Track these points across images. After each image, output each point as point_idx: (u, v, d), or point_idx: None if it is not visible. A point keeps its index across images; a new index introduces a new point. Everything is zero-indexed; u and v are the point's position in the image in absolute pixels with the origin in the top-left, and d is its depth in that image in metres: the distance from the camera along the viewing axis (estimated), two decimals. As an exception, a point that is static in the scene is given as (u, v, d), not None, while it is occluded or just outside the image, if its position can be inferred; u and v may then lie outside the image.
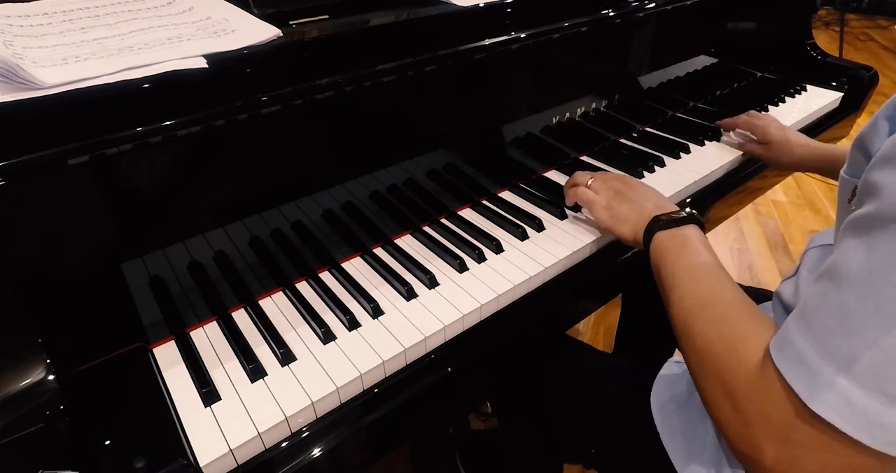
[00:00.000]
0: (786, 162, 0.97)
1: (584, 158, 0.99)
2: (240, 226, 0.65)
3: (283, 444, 0.55)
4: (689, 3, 0.97)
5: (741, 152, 1.01)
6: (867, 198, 0.40)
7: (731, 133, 1.06)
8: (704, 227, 0.67)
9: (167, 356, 0.60)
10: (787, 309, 0.61)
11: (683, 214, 0.67)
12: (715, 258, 0.61)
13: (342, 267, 0.72)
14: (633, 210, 0.72)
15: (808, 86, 1.30)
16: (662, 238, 0.65)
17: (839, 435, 0.38)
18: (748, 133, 1.02)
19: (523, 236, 0.78)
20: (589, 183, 0.78)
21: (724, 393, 0.47)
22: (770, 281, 1.85)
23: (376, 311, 0.65)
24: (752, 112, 1.04)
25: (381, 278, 0.71)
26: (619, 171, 0.94)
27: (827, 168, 0.92)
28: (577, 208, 0.83)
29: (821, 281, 0.42)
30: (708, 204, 0.94)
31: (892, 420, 0.36)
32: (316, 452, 0.55)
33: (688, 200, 0.92)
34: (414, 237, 0.79)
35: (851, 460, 0.39)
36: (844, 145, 0.87)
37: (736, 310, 0.53)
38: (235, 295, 0.66)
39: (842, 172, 0.49)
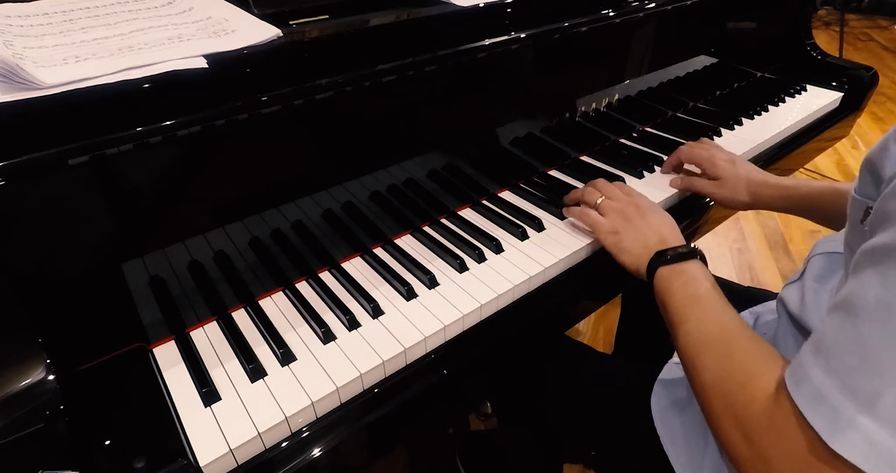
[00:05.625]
0: (743, 202, 0.85)
1: (584, 158, 0.99)
2: (240, 226, 0.65)
3: (283, 444, 0.55)
4: (689, 3, 0.97)
5: (743, 151, 1.01)
6: (882, 227, 0.40)
7: (686, 166, 0.93)
8: (706, 261, 0.67)
9: (167, 356, 0.60)
10: (792, 316, 0.61)
11: (685, 250, 0.66)
12: (718, 293, 0.61)
13: (342, 267, 0.72)
14: (637, 241, 0.71)
15: (808, 86, 1.30)
16: (665, 273, 0.65)
17: None
18: (693, 166, 0.91)
19: (523, 236, 0.78)
20: (598, 202, 0.77)
21: (738, 429, 0.46)
22: (770, 281, 1.85)
23: (376, 311, 0.65)
24: (700, 141, 0.93)
25: (381, 278, 0.71)
26: (619, 171, 0.94)
27: (799, 208, 0.82)
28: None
29: (837, 313, 0.41)
30: (707, 204, 0.94)
31: None
32: (316, 452, 0.55)
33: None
34: (414, 237, 0.79)
35: None
36: (813, 180, 0.84)
37: (743, 345, 0.52)
38: (235, 295, 0.66)
39: (852, 192, 0.48)
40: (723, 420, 0.48)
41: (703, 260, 0.67)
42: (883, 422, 0.36)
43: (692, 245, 0.68)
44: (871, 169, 0.45)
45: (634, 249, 0.71)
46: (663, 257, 0.66)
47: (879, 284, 0.38)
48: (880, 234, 0.40)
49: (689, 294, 0.61)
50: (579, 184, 0.90)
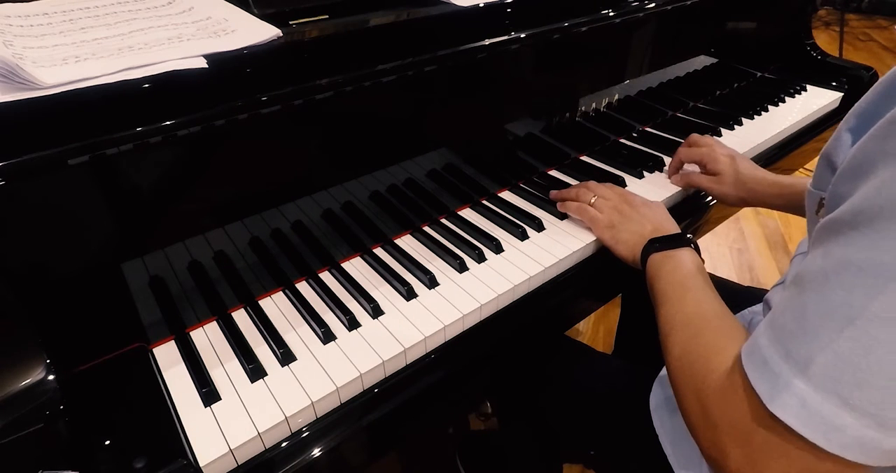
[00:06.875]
0: (740, 198, 0.85)
1: (584, 158, 0.99)
2: (240, 226, 0.65)
3: (283, 444, 0.55)
4: (689, 3, 0.97)
5: (743, 151, 1.01)
6: (832, 209, 0.41)
7: (687, 165, 0.92)
8: (699, 249, 0.69)
9: (167, 356, 0.60)
10: None
11: (676, 237, 0.69)
12: (704, 278, 0.63)
13: (342, 267, 0.72)
14: (632, 232, 0.74)
15: (808, 86, 1.30)
16: (657, 259, 0.67)
17: (797, 438, 0.38)
18: (695, 165, 0.90)
19: (523, 236, 0.78)
20: (592, 201, 0.79)
21: (696, 400, 0.48)
22: (770, 281, 1.84)
23: (376, 311, 0.65)
24: (693, 138, 0.92)
25: (381, 278, 0.71)
26: (619, 171, 0.94)
27: (794, 206, 0.82)
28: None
29: (789, 288, 0.42)
30: (707, 204, 0.94)
31: (844, 423, 0.36)
32: (316, 452, 0.55)
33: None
34: (414, 237, 0.79)
35: (809, 464, 0.39)
36: (808, 178, 0.85)
37: (714, 325, 0.54)
38: (235, 295, 0.66)
39: (808, 185, 0.50)
40: (686, 394, 0.50)
41: (696, 247, 0.68)
42: (814, 385, 0.37)
43: (688, 235, 0.70)
44: (828, 160, 0.46)
45: (630, 240, 0.73)
46: (655, 244, 0.69)
47: (821, 256, 0.39)
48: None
49: (674, 278, 0.63)
50: (579, 184, 0.90)
